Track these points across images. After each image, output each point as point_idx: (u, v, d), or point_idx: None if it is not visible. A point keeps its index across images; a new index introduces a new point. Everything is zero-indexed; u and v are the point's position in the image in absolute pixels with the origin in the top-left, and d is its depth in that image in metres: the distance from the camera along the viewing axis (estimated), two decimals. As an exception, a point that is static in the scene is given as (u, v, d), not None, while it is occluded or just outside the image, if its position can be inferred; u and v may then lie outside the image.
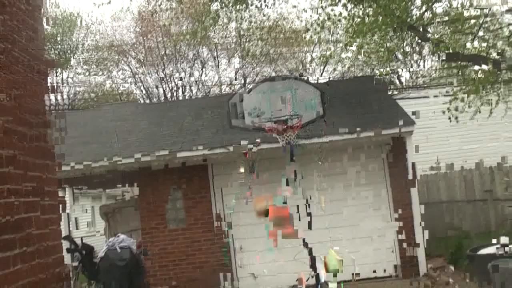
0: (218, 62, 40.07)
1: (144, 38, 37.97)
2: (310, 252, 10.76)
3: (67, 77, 39.63)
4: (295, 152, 11.21)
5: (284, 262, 12.10)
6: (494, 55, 16.18)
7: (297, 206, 10.07)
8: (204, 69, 40.44)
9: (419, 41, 16.09)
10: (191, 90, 39.84)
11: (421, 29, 15.32)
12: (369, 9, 14.68)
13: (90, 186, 20.37)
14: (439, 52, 15.19)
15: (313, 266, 10.62)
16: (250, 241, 13.53)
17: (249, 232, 13.46)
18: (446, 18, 15.57)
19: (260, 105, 11.54)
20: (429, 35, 15.93)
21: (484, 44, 16.12)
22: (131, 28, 38.79)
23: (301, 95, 11.44)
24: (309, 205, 10.63)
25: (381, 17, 14.32)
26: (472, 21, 16.05)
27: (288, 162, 11.30)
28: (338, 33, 18.34)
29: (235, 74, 39.29)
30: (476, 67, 16.20)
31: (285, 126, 11.16)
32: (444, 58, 16.31)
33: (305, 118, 11.28)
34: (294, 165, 11.43)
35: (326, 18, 15.86)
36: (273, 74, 38.18)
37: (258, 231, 13.36)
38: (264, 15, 16.99)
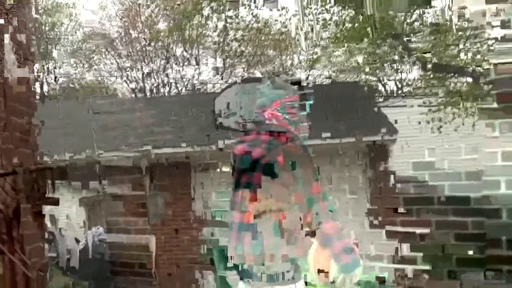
0: (199, 61, 39.95)
1: (128, 31, 37.76)
2: None
3: (54, 67, 39.39)
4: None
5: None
6: (478, 68, 16.36)
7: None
8: (183, 67, 40.32)
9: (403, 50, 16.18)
10: (177, 87, 39.77)
11: (405, 39, 15.44)
12: (359, 16, 14.76)
13: (71, 178, 20.26)
14: (421, 62, 15.35)
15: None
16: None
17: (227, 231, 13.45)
18: (429, 29, 15.72)
19: (232, 106, 11.59)
20: (413, 45, 16.04)
21: (470, 56, 16.31)
22: (117, 19, 38.54)
23: (274, 97, 11.51)
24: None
25: (367, 25, 14.41)
26: (460, 33, 16.21)
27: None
28: (327, 38, 18.39)
29: (221, 73, 39.29)
30: (462, 79, 16.39)
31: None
32: (429, 68, 16.47)
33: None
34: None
35: (315, 22, 15.91)
36: (258, 75, 38.23)
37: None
38: (254, 16, 16.97)
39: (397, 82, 37.44)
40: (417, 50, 15.70)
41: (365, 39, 15.40)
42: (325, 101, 15.43)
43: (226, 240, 4.09)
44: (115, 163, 13.64)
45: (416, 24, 15.68)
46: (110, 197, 16.02)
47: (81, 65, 40.04)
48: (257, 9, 16.72)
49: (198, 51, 39.41)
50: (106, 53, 39.07)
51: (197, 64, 39.73)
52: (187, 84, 40.56)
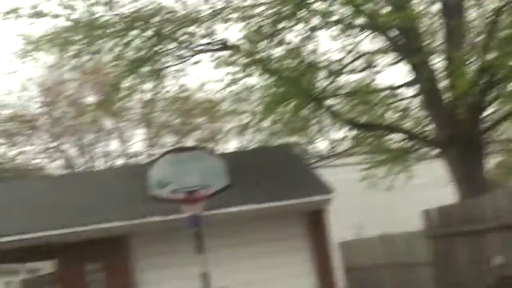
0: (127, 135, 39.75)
1: (50, 108, 37.32)
2: None
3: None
4: (202, 223, 11.19)
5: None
6: (407, 124, 16.80)
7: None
8: (107, 140, 40.07)
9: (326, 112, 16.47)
10: (104, 161, 39.36)
11: (325, 101, 15.73)
12: (280, 81, 14.97)
13: (5, 260, 19.61)
14: (347, 123, 15.66)
15: None
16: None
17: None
18: (346, 90, 16.10)
19: (165, 176, 11.55)
20: (335, 107, 16.37)
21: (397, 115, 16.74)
22: (39, 98, 38.06)
23: (206, 166, 11.54)
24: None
25: (289, 89, 14.63)
26: (384, 92, 16.67)
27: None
28: (253, 103, 18.56)
29: (150, 145, 39.11)
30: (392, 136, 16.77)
31: (193, 197, 11.20)
32: (357, 128, 16.75)
33: (212, 188, 11.35)
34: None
35: (242, 88, 16.08)
36: (188, 144, 38.25)
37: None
38: (180, 86, 17.02)
39: (329, 143, 38.06)
40: (341, 113, 16.02)
41: (290, 103, 15.57)
42: (255, 167, 15.51)
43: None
44: (50, 242, 13.24)
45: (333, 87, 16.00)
46: (51, 277, 15.51)
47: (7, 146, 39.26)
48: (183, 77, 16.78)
49: (126, 123, 39.30)
50: (31, 133, 38.42)
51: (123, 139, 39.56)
52: (118, 156, 40.24)
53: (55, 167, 39.76)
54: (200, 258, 11.13)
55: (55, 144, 38.67)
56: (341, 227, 13.65)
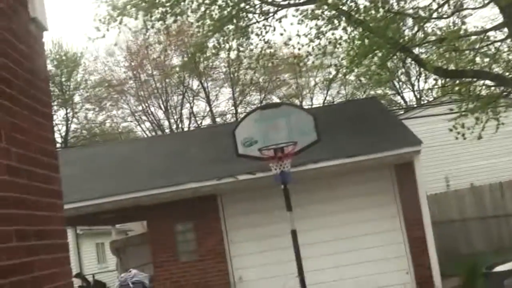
0: (213, 95, 40.07)
1: (136, 72, 38.04)
2: (301, 281, 10.74)
3: (66, 115, 39.80)
4: (290, 179, 11.22)
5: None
6: (497, 70, 16.23)
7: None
8: (195, 101, 40.51)
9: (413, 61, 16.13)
10: (190, 122, 39.95)
11: (412, 50, 15.37)
12: (367, 32, 14.73)
13: (96, 223, 20.33)
14: (429, 72, 15.24)
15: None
16: (250, 271, 13.48)
17: (248, 262, 13.44)
18: (434, 37, 15.65)
19: (252, 134, 11.57)
20: (422, 55, 15.97)
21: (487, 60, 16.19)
22: (125, 63, 38.83)
23: (293, 122, 11.47)
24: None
25: (375, 39, 14.38)
26: (473, 37, 16.12)
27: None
28: (339, 57, 18.34)
29: (235, 105, 39.38)
30: (481, 82, 16.26)
31: (281, 154, 11.17)
32: (446, 76, 16.33)
33: (300, 144, 11.30)
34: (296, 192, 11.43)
35: (327, 42, 15.89)
36: (274, 101, 38.32)
37: (257, 260, 13.36)
38: (265, 42, 16.99)
39: (416, 93, 37.39)
40: (429, 61, 15.59)
41: (378, 54, 15.34)
42: (344, 121, 15.38)
43: None
44: (140, 203, 13.61)
45: (421, 35, 15.62)
46: (141, 238, 16.01)
47: (96, 111, 40.37)
48: (267, 34, 16.75)
49: (212, 83, 39.70)
50: (118, 98, 39.35)
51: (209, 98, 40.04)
52: (204, 117, 40.78)
53: (142, 129, 40.77)
54: (288, 215, 11.20)
55: (142, 107, 39.56)
56: (429, 179, 13.41)
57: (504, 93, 16.39)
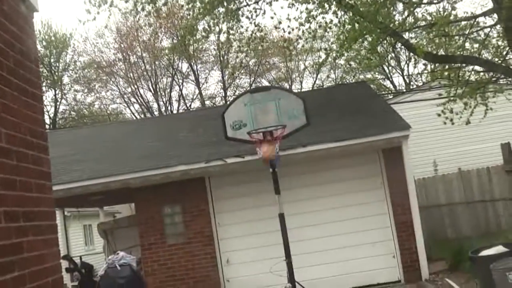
0: (202, 77, 39.96)
1: (126, 54, 37.87)
2: (289, 264, 10.81)
3: (55, 96, 39.66)
4: (279, 164, 11.25)
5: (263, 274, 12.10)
6: (486, 55, 16.27)
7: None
8: (184, 83, 40.44)
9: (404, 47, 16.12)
10: (179, 105, 39.92)
11: (402, 35, 15.36)
12: (357, 16, 14.70)
13: (84, 205, 20.31)
14: (418, 56, 15.24)
15: (290, 278, 10.68)
16: (237, 253, 13.54)
17: (235, 244, 13.49)
18: (424, 22, 15.67)
19: (241, 118, 11.55)
20: (412, 40, 15.99)
21: (476, 46, 16.23)
22: (115, 45, 38.66)
23: (282, 105, 11.45)
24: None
25: (365, 24, 14.36)
26: (463, 22, 16.15)
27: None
28: (329, 41, 18.33)
29: (225, 88, 39.32)
30: (470, 68, 16.32)
31: (270, 137, 11.17)
32: (435, 61, 16.36)
33: (289, 128, 11.30)
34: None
35: (317, 26, 15.85)
36: (263, 84, 38.31)
37: (244, 243, 13.42)
38: (256, 26, 16.91)
39: (405, 78, 37.49)
40: (418, 46, 15.61)
41: (367, 39, 15.35)
42: (333, 104, 15.40)
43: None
44: (128, 185, 13.61)
45: (411, 20, 15.63)
46: (128, 221, 16.01)
47: (85, 93, 40.21)
48: (257, 17, 16.66)
49: (201, 66, 39.58)
50: (108, 80, 39.19)
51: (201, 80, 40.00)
52: (194, 99, 40.72)
53: (132, 111, 40.68)
54: (277, 198, 11.23)
55: (131, 89, 39.43)
56: (417, 164, 13.47)
57: (493, 79, 16.44)
